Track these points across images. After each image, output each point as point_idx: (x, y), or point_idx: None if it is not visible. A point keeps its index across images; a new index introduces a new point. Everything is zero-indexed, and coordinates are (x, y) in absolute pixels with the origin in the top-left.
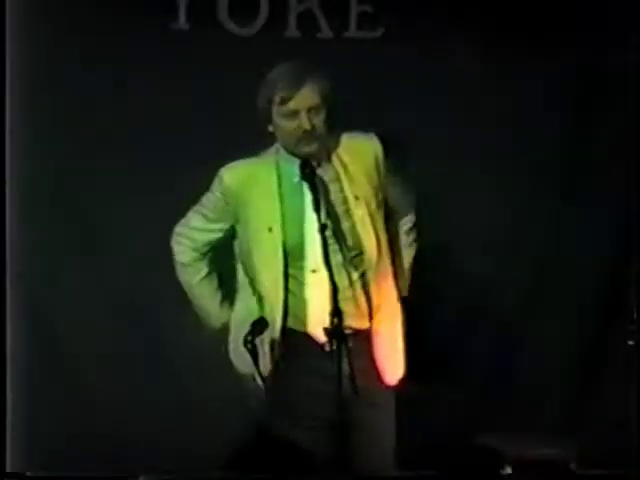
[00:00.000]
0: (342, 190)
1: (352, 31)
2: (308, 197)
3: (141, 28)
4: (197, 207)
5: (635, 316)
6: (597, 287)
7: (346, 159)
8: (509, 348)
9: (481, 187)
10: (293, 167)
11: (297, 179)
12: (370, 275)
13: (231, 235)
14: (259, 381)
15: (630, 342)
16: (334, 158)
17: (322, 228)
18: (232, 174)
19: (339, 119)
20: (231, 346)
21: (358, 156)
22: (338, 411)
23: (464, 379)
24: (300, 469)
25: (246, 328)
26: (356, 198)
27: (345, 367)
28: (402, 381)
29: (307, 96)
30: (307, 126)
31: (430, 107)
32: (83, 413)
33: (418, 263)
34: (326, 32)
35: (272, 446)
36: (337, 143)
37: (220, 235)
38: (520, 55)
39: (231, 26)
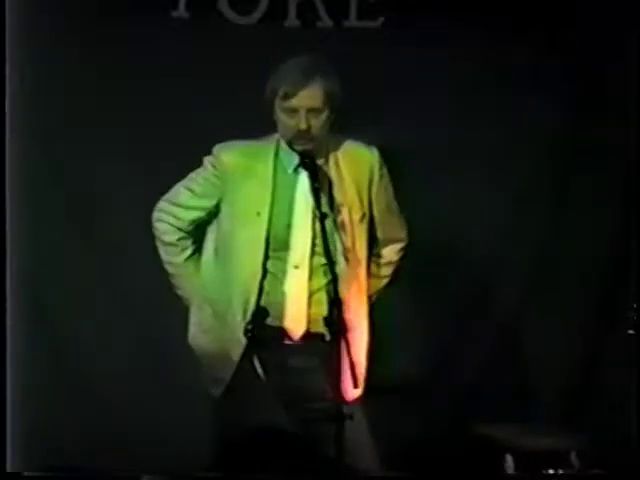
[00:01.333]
0: (329, 193)
1: (352, 20)
2: (299, 190)
3: (141, 16)
4: (184, 182)
5: (635, 305)
6: (597, 280)
7: (342, 164)
8: (510, 338)
9: (479, 184)
10: (290, 158)
11: (291, 171)
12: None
13: (214, 213)
14: (260, 371)
15: (630, 331)
16: (331, 160)
17: (322, 217)
18: (230, 152)
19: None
20: (192, 330)
21: (353, 164)
22: (325, 406)
23: (465, 370)
24: (304, 463)
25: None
26: (340, 204)
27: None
28: (360, 399)
29: (309, 96)
30: (303, 126)
31: (429, 97)
32: (83, 413)
33: (419, 260)
34: (326, 21)
35: (277, 439)
36: (337, 146)
37: (204, 213)
38: (519, 47)
39: (231, 15)
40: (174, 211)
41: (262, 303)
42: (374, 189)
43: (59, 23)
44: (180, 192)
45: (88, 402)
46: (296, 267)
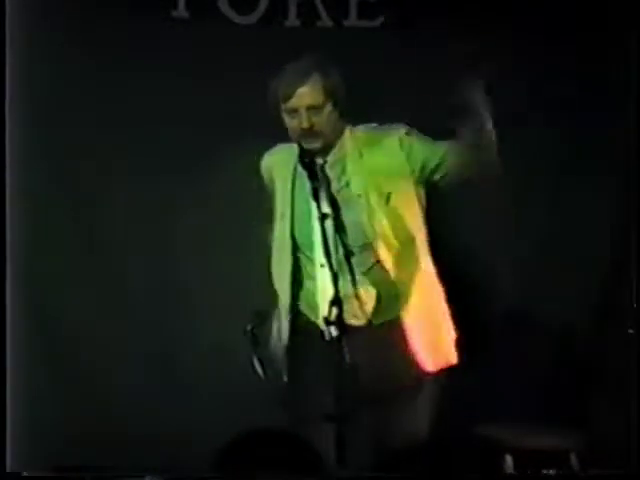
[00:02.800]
0: (348, 183)
1: (352, 20)
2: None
3: (141, 16)
4: None
5: (635, 305)
6: (597, 280)
7: (364, 151)
8: (510, 338)
9: (477, 185)
10: None
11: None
12: (380, 267)
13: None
14: (259, 370)
15: (630, 331)
16: (349, 150)
17: (322, 218)
18: (266, 158)
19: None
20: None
21: (378, 147)
22: (338, 403)
23: (465, 370)
24: (305, 463)
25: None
26: (360, 194)
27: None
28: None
29: (307, 95)
30: (305, 124)
31: (429, 97)
32: (83, 413)
33: None
34: (326, 21)
35: (277, 439)
36: (354, 135)
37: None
38: (519, 48)
39: (231, 14)
40: None
41: (298, 302)
42: (413, 162)
43: (59, 23)
44: None
45: (88, 402)
46: (322, 265)
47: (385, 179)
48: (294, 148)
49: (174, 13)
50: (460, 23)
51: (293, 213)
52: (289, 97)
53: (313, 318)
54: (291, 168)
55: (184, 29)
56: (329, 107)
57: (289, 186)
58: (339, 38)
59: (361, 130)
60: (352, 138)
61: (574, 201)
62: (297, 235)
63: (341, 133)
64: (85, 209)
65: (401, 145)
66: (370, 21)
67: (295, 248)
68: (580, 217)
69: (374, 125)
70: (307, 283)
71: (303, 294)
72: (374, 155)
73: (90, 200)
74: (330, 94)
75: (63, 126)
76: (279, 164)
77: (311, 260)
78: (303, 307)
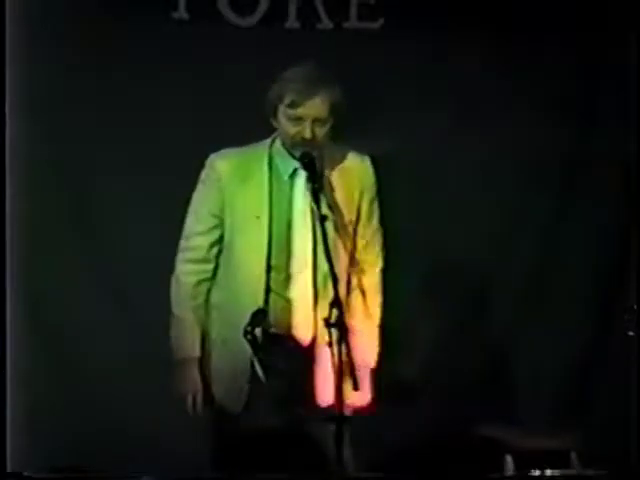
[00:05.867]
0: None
1: (352, 22)
2: (297, 196)
3: (141, 17)
4: (190, 208)
5: (635, 306)
6: (597, 281)
7: (334, 171)
8: (510, 338)
9: (479, 186)
10: (286, 164)
11: (287, 177)
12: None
13: (223, 230)
14: (260, 373)
15: (630, 333)
16: (324, 165)
17: (322, 219)
18: (224, 161)
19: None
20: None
21: (345, 172)
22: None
23: (465, 371)
24: (305, 463)
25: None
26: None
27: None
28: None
29: (316, 106)
30: (308, 135)
31: (428, 98)
32: (83, 413)
33: (422, 265)
34: (326, 23)
35: (278, 439)
36: (331, 152)
37: (218, 234)
38: (520, 50)
39: (231, 16)
40: (190, 243)
41: (269, 310)
42: (363, 199)
43: (59, 23)
44: (187, 225)
45: (88, 402)
46: (299, 272)
47: (346, 205)
48: (260, 151)
49: (174, 14)
50: (460, 25)
51: (271, 217)
52: (297, 105)
53: (284, 328)
54: (265, 174)
55: (184, 30)
56: (331, 122)
57: (266, 190)
58: (339, 40)
59: (334, 148)
60: (329, 153)
61: (575, 201)
62: (274, 241)
63: (330, 148)
64: (85, 208)
65: (362, 184)
66: (370, 23)
67: (270, 254)
68: (580, 217)
69: (344, 147)
70: (278, 291)
71: (275, 299)
72: (341, 177)
73: (90, 199)
74: (335, 110)
75: (63, 126)
76: (241, 169)
77: (285, 267)
78: (275, 309)
